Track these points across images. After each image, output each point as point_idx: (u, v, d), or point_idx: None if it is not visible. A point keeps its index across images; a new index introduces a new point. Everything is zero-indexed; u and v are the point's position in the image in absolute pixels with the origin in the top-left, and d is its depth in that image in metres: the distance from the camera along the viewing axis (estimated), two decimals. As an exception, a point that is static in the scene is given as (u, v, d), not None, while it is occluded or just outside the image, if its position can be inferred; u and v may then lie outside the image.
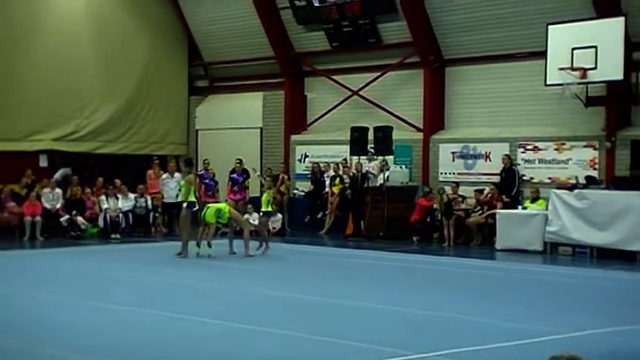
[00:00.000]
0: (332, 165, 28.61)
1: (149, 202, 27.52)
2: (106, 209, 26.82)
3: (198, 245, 21.19)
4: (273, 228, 27.26)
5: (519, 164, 25.42)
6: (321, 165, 29.02)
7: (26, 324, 12.60)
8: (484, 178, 26.03)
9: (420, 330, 12.46)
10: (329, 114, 29.89)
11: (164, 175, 27.20)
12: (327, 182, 28.33)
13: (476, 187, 25.61)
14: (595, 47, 22.77)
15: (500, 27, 25.78)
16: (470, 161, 26.62)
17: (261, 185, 22.76)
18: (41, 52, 29.25)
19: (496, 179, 25.44)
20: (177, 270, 19.03)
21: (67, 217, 26.43)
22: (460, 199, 25.65)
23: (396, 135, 26.69)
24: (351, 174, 27.63)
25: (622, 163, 23.79)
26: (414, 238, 25.49)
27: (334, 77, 29.72)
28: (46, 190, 26.70)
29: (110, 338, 11.66)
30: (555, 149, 24.95)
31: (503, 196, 24.73)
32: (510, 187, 24.91)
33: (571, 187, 22.92)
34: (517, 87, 25.84)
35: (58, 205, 26.57)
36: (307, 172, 29.81)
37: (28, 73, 28.94)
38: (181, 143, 33.09)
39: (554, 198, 22.78)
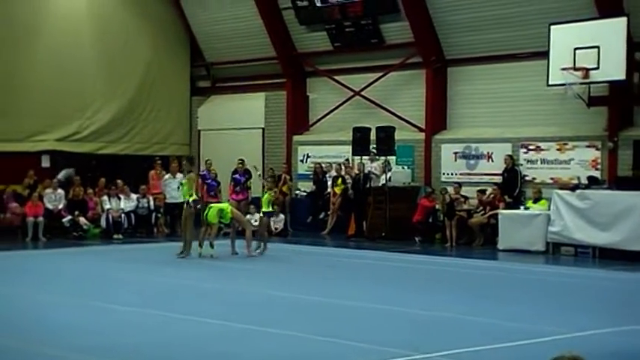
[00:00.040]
0: (334, 165, 28.60)
1: (151, 203, 27.53)
2: (108, 210, 26.82)
3: (200, 245, 21.18)
4: (275, 228, 27.31)
5: (522, 164, 25.40)
6: (324, 165, 29.01)
7: (27, 324, 12.59)
8: (486, 179, 26.00)
9: (422, 330, 12.44)
10: (331, 114, 29.88)
11: (166, 176, 27.24)
12: (329, 183, 28.33)
13: (478, 188, 25.58)
14: (597, 47, 22.71)
15: (502, 27, 25.75)
16: (472, 161, 26.60)
17: (263, 187, 22.72)
18: (43, 53, 29.26)
19: (498, 179, 25.39)
20: (179, 270, 19.02)
21: (69, 217, 26.44)
22: (462, 199, 25.64)
23: (398, 135, 26.66)
24: (353, 174, 27.61)
25: (624, 163, 23.77)
26: (417, 239, 25.46)
27: (336, 77, 29.70)
28: (49, 190, 26.70)
29: (112, 338, 11.65)
30: (558, 149, 24.94)
31: (506, 197, 24.70)
32: (513, 187, 24.88)
33: (573, 188, 22.89)
34: (519, 87, 25.82)
35: (61, 206, 26.58)
36: (309, 173, 29.81)
37: (30, 74, 28.96)
38: (183, 144, 33.09)
39: (556, 198, 22.76)
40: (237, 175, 26.73)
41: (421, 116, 27.66)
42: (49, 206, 26.33)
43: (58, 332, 11.99)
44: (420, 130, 27.70)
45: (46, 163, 29.54)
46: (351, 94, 29.24)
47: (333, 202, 27.84)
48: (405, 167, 27.74)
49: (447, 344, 11.19)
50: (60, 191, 26.83)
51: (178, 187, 21.87)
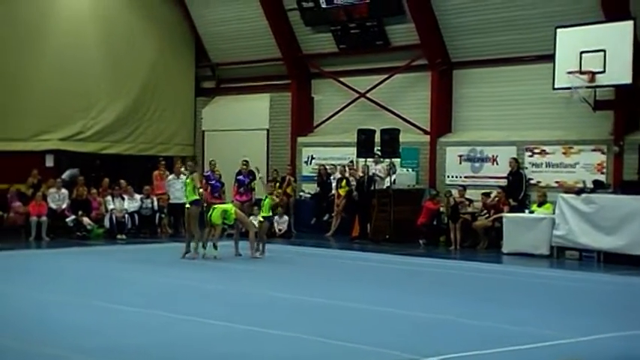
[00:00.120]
0: (338, 167, 28.56)
1: (155, 203, 27.52)
2: (112, 210, 26.79)
3: (203, 246, 21.16)
4: (279, 230, 27.30)
5: (526, 168, 25.36)
6: (328, 167, 28.97)
7: (29, 324, 12.56)
8: (491, 182, 25.96)
9: (425, 333, 12.39)
10: (336, 116, 29.85)
11: (170, 176, 27.24)
12: (334, 184, 28.30)
13: (483, 191, 25.51)
14: (603, 51, 22.65)
15: (508, 30, 25.71)
16: (477, 164, 26.56)
17: (269, 194, 22.65)
18: (48, 53, 29.25)
19: (503, 183, 25.37)
20: (182, 271, 18.99)
21: (72, 217, 26.44)
22: (467, 202, 25.58)
23: (403, 137, 26.62)
24: (357, 176, 27.57)
25: (630, 167, 23.71)
26: (421, 242, 25.41)
27: (341, 79, 29.67)
28: (52, 190, 26.69)
29: (114, 339, 11.62)
30: (563, 153, 24.89)
31: (510, 200, 24.66)
32: (517, 190, 24.84)
33: (578, 191, 22.84)
34: (525, 90, 25.77)
35: (64, 206, 26.57)
36: (314, 174, 29.77)
37: (35, 74, 28.94)
38: (188, 144, 33.07)
39: (561, 202, 22.70)
40: (241, 177, 26.71)
41: (426, 119, 27.61)
42: (53, 206, 26.33)
43: (61, 332, 11.96)
44: (425, 132, 27.66)
45: (50, 162, 29.52)
46: (356, 95, 29.21)
47: (337, 204, 27.81)
48: (410, 170, 27.69)
49: (451, 347, 11.14)
50: (64, 191, 26.82)
51: (185, 186, 21.73)
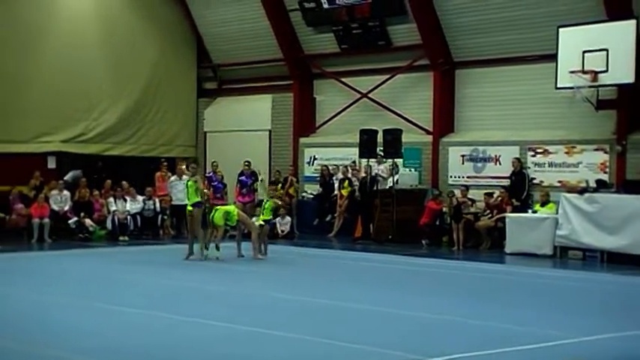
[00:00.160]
0: (341, 168, 28.54)
1: (157, 205, 27.48)
2: (114, 211, 26.77)
3: (206, 248, 21.13)
4: (282, 231, 27.27)
5: (529, 167, 25.32)
6: (330, 168, 28.95)
7: (31, 326, 12.53)
8: (494, 182, 25.92)
9: (427, 334, 12.35)
10: (338, 116, 29.82)
11: (172, 178, 27.18)
12: (336, 185, 28.28)
13: (485, 191, 25.47)
14: (606, 50, 22.63)
15: (510, 29, 25.68)
16: (479, 164, 26.53)
17: (270, 197, 22.63)
18: (49, 54, 29.24)
19: (506, 183, 25.31)
20: (184, 272, 18.96)
21: (75, 219, 26.42)
22: (470, 202, 25.55)
23: (405, 138, 26.59)
24: (360, 177, 27.53)
25: (633, 166, 23.65)
26: (423, 242, 25.37)
27: (343, 79, 29.64)
28: (54, 192, 26.68)
29: (116, 340, 11.60)
30: (566, 153, 24.85)
31: (513, 200, 24.60)
32: (520, 190, 24.78)
33: (581, 191, 22.78)
34: (527, 90, 25.73)
35: (67, 207, 26.56)
36: (316, 175, 29.75)
37: (37, 75, 28.93)
38: (190, 145, 33.04)
39: (564, 202, 22.66)
40: (243, 177, 26.64)
41: (428, 119, 27.58)
42: (55, 207, 26.32)
43: (63, 334, 11.93)
44: (428, 132, 27.63)
45: (52, 164, 29.51)
46: (359, 96, 29.18)
47: (339, 205, 27.78)
48: (412, 170, 27.65)
49: (454, 348, 11.10)
50: (66, 193, 26.80)
51: (187, 188, 21.69)
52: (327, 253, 23.70)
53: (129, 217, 26.86)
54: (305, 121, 30.72)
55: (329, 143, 29.98)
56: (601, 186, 23.05)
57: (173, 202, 26.85)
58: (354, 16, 28.37)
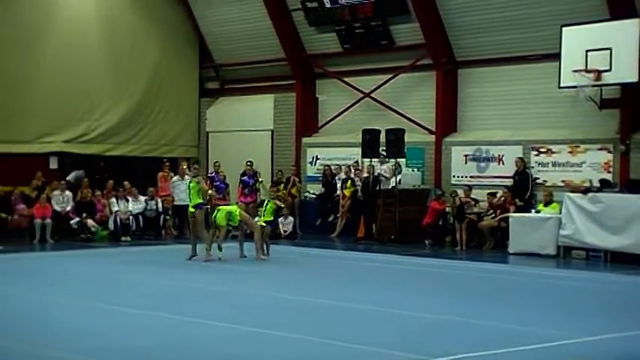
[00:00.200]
0: (343, 168, 28.50)
1: (159, 205, 27.44)
2: (116, 212, 26.72)
3: (208, 248, 21.05)
4: (284, 231, 27.23)
5: (533, 167, 25.26)
6: (333, 168, 28.91)
7: (33, 326, 12.50)
8: (497, 181, 25.87)
9: (430, 334, 12.31)
10: (340, 116, 29.77)
11: (175, 178, 27.23)
12: (339, 185, 28.26)
13: (489, 191, 25.44)
14: (609, 49, 22.58)
15: (513, 29, 25.62)
16: (483, 164, 26.48)
17: (270, 199, 22.57)
18: (51, 55, 29.21)
19: (509, 182, 25.27)
20: (187, 273, 18.92)
21: (77, 219, 26.38)
22: (473, 202, 25.50)
23: (408, 137, 26.52)
24: (362, 177, 27.49)
25: (636, 166, 23.62)
26: (426, 242, 25.33)
27: (346, 79, 29.60)
28: (56, 192, 26.64)
29: (119, 341, 11.57)
30: (569, 152, 24.80)
31: (516, 200, 24.56)
32: (523, 190, 24.72)
33: (585, 191, 22.75)
34: (530, 89, 25.68)
35: (69, 208, 26.51)
36: (318, 175, 29.71)
37: (38, 75, 28.90)
38: (192, 145, 33.00)
39: (567, 201, 22.61)
40: (245, 178, 26.63)
41: (431, 118, 27.53)
42: (57, 208, 26.27)
43: (64, 335, 11.90)
44: (430, 132, 27.57)
45: (53, 164, 29.51)
46: (361, 95, 29.13)
47: (342, 205, 27.75)
48: (415, 170, 27.59)
49: (457, 348, 11.07)
50: (68, 193, 26.76)
51: (189, 188, 21.60)
52: (330, 254, 23.65)
53: (131, 217, 26.83)
54: (307, 121, 30.68)
55: (331, 143, 29.93)
56: (605, 185, 23.01)
57: (175, 203, 26.90)
58: (357, 16, 28.32)
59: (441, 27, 26.93)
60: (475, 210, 25.34)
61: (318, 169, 30.00)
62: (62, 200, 26.53)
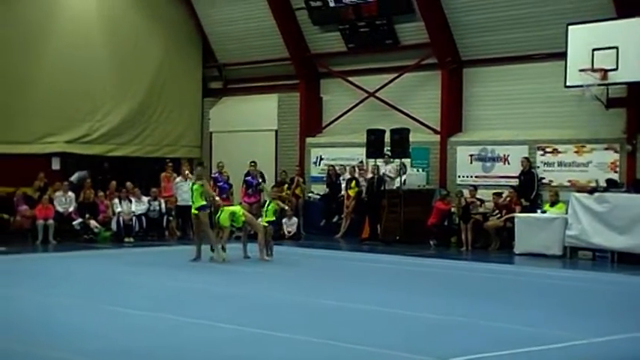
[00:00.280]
0: (348, 168, 28.44)
1: (162, 206, 27.35)
2: (119, 213, 26.63)
3: (211, 249, 20.97)
4: (288, 232, 27.12)
5: (538, 167, 25.17)
6: (337, 168, 28.83)
7: (35, 327, 12.44)
8: (502, 181, 25.78)
9: (435, 335, 12.23)
10: (345, 116, 29.68)
11: (178, 178, 27.16)
12: (343, 185, 28.20)
13: (494, 191, 25.34)
14: (616, 48, 22.48)
15: (518, 28, 25.53)
16: (488, 164, 26.37)
17: (273, 199, 22.46)
18: (53, 55, 29.13)
19: (515, 182, 25.16)
20: (190, 274, 18.86)
21: (79, 220, 26.31)
22: (478, 202, 25.42)
23: (412, 137, 26.44)
24: (367, 177, 27.38)
25: (643, 165, 23.54)
26: (432, 242, 25.25)
27: (350, 79, 29.50)
28: (59, 193, 26.56)
29: (122, 342, 11.50)
30: (575, 152, 24.70)
31: (522, 200, 24.47)
32: (529, 190, 24.61)
33: (591, 191, 22.66)
34: (536, 89, 25.58)
35: (71, 209, 26.43)
36: (323, 175, 29.63)
37: (40, 76, 28.84)
38: (195, 146, 32.91)
39: (574, 201, 22.52)
40: (249, 178, 26.59)
41: (436, 118, 27.42)
42: (60, 209, 26.20)
43: (67, 336, 11.84)
44: (435, 132, 27.47)
45: (56, 165, 29.44)
46: (366, 95, 29.04)
47: (346, 205, 27.67)
48: (420, 170, 27.52)
49: (462, 349, 10.99)
50: (70, 194, 26.68)
51: (192, 190, 21.45)
52: (334, 255, 23.61)
53: (134, 218, 26.74)
54: (311, 121, 30.58)
55: (336, 143, 29.84)
56: (611, 185, 22.95)
57: (178, 203, 26.82)
58: (361, 15, 28.23)
59: (446, 26, 26.84)
60: (480, 210, 25.25)
61: (322, 170, 29.91)
62: (65, 201, 26.45)
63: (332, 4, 28.59)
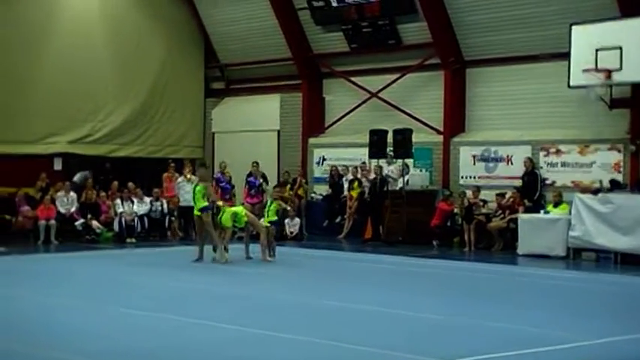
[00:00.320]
0: (350, 168, 28.41)
1: (165, 206, 27.31)
2: (121, 213, 26.60)
3: (214, 250, 20.92)
4: (291, 232, 27.08)
5: (542, 167, 25.12)
6: (340, 168, 28.81)
7: (37, 328, 12.41)
8: (506, 182, 25.74)
9: (438, 336, 12.19)
10: (347, 116, 29.64)
11: (180, 179, 27.10)
12: (346, 186, 28.21)
13: (497, 191, 25.32)
14: (620, 48, 22.49)
15: (522, 28, 25.50)
16: (491, 164, 26.33)
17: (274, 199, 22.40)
18: (55, 55, 29.12)
19: (518, 183, 25.14)
20: (192, 274, 18.81)
21: (81, 220, 26.31)
22: (481, 203, 25.39)
23: (415, 138, 26.40)
24: (370, 177, 27.34)
25: (647, 166, 23.48)
26: (434, 243, 25.23)
27: (353, 79, 29.47)
28: (61, 193, 26.55)
29: (124, 343, 11.47)
30: (579, 152, 24.65)
31: (525, 201, 24.45)
32: (532, 191, 24.59)
33: (595, 191, 22.63)
34: (539, 89, 25.56)
35: (73, 209, 26.41)
36: (325, 176, 29.62)
37: (42, 76, 28.83)
38: (197, 146, 32.88)
39: (577, 202, 22.46)
40: (251, 178, 26.55)
41: (439, 118, 27.39)
42: (62, 209, 26.19)
43: (69, 336, 11.80)
44: (438, 132, 27.43)
45: (58, 165, 29.41)
46: (368, 95, 29.01)
47: (349, 206, 27.66)
48: (423, 170, 27.49)
49: (465, 350, 10.95)
50: (72, 194, 26.66)
51: (195, 192, 21.38)
52: (337, 255, 23.58)
53: (136, 218, 26.70)
54: (314, 121, 30.55)
55: (338, 143, 29.81)
56: (615, 186, 22.92)
57: (181, 204, 26.78)
58: (364, 15, 28.20)
59: (448, 26, 26.81)
60: (484, 211, 25.22)
61: (325, 170, 29.88)
62: (67, 201, 26.43)
63: (334, 4, 28.56)
